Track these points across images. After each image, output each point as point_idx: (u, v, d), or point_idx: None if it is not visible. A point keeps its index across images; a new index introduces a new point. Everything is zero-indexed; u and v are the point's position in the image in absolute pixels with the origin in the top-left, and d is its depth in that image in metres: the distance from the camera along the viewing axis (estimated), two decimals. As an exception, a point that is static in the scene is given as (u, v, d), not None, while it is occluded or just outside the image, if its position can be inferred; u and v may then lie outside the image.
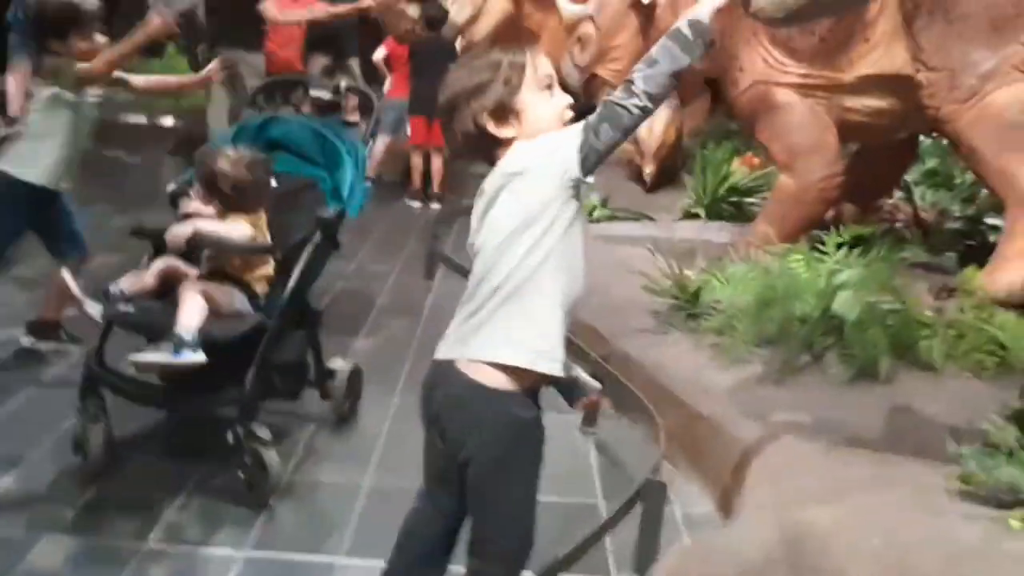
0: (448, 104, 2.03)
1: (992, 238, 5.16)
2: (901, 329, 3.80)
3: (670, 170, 8.18)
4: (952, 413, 3.35)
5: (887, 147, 5.18)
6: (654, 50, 1.98)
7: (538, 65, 2.01)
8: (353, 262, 6.18)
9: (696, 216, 6.45)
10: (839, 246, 4.23)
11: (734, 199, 6.47)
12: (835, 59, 4.67)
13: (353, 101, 6.60)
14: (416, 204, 8.20)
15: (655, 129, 8.01)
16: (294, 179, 3.52)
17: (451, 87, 2.03)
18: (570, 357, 2.08)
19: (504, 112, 1.98)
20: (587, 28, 6.15)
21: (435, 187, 8.17)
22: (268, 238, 3.28)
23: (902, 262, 4.58)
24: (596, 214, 6.51)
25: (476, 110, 1.98)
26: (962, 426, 3.21)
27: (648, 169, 8.06)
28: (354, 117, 6.80)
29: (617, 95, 1.95)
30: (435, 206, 8.05)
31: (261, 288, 3.24)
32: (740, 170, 6.55)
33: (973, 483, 2.61)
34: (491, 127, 1.99)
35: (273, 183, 3.36)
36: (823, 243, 4.36)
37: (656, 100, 1.94)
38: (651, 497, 2.82)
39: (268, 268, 3.26)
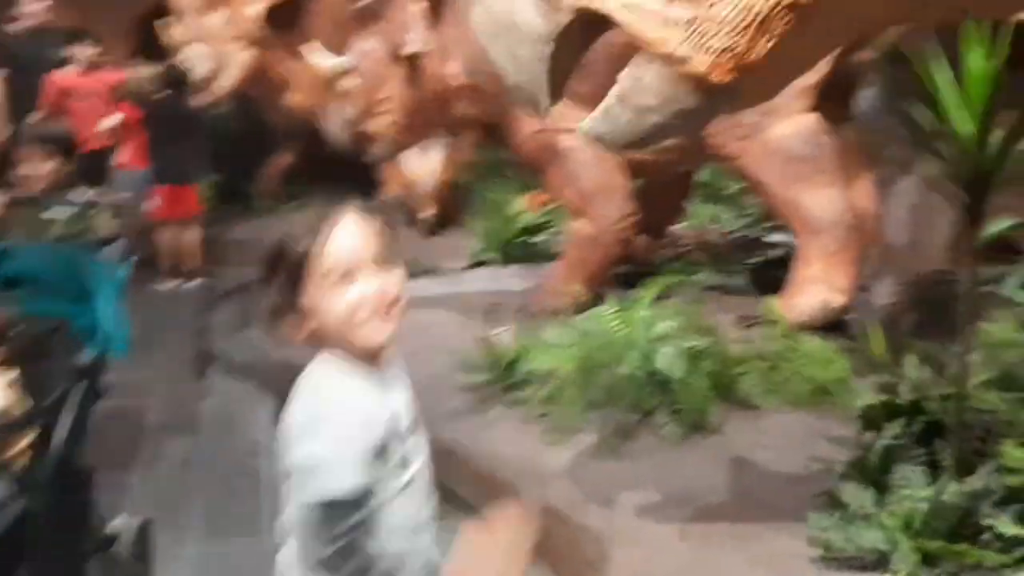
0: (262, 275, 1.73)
1: (773, 252, 5.36)
2: (720, 371, 3.79)
3: (449, 211, 8.05)
4: (785, 457, 3.34)
5: (670, 178, 5.24)
6: None
7: (326, 253, 1.67)
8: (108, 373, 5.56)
9: (490, 262, 6.32)
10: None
11: (523, 239, 6.39)
12: (612, 100, 4.65)
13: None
14: (171, 286, 7.39)
15: (429, 169, 7.85)
16: (42, 321, 3.03)
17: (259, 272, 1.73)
18: None
19: (296, 310, 1.68)
20: (348, 82, 5.86)
21: (191, 263, 7.46)
22: (23, 400, 2.79)
23: (703, 294, 4.63)
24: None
25: (275, 303, 1.70)
26: (799, 472, 3.22)
27: (426, 212, 7.89)
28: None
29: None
30: (194, 285, 7.39)
31: (21, 462, 2.74)
32: (528, 209, 6.47)
33: (835, 550, 2.56)
34: (288, 322, 1.71)
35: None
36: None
37: None
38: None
39: (27, 437, 2.77)
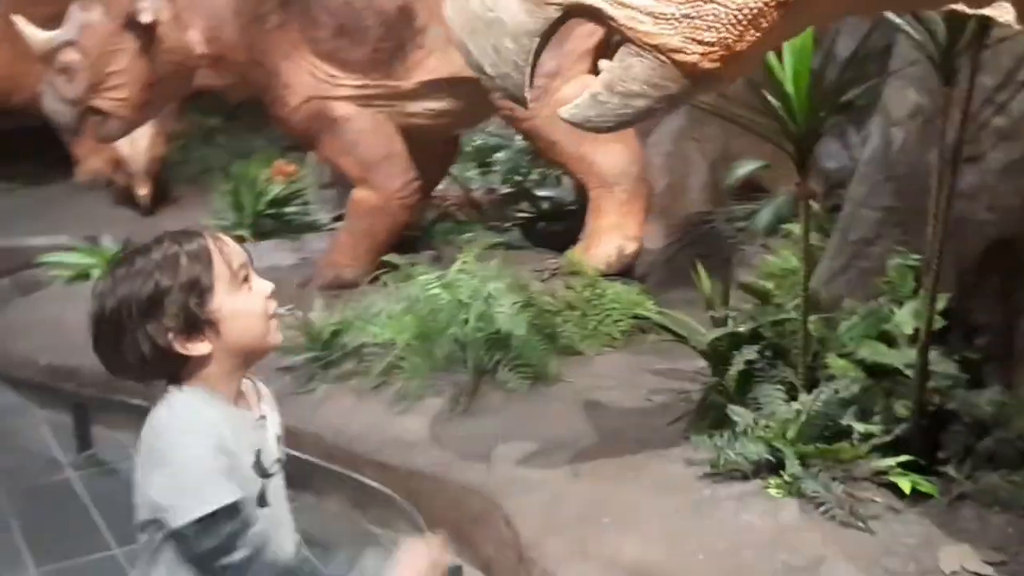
0: (107, 324, 1.61)
1: (543, 206, 5.77)
2: (543, 323, 4.10)
3: (163, 186, 7.68)
4: (627, 394, 3.74)
5: (437, 140, 5.43)
6: None
7: (228, 252, 1.66)
8: None
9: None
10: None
11: (274, 211, 6.29)
12: (392, 68, 4.75)
13: None
14: None
15: (140, 144, 7.41)
16: None
17: (107, 300, 1.61)
18: None
19: (194, 325, 1.61)
20: (69, 56, 5.37)
21: None
22: None
23: (489, 252, 4.90)
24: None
25: (154, 331, 1.60)
26: (646, 406, 3.63)
27: (143, 191, 7.47)
28: None
29: None
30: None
31: None
32: (275, 180, 6.35)
33: (720, 465, 2.97)
34: (178, 346, 1.62)
35: None
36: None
37: None
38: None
39: None
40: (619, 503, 2.97)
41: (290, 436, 3.83)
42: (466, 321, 3.91)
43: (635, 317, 4.22)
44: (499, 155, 6.40)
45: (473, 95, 4.72)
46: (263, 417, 1.78)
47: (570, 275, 4.49)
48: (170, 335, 1.60)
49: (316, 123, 4.96)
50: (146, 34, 5.07)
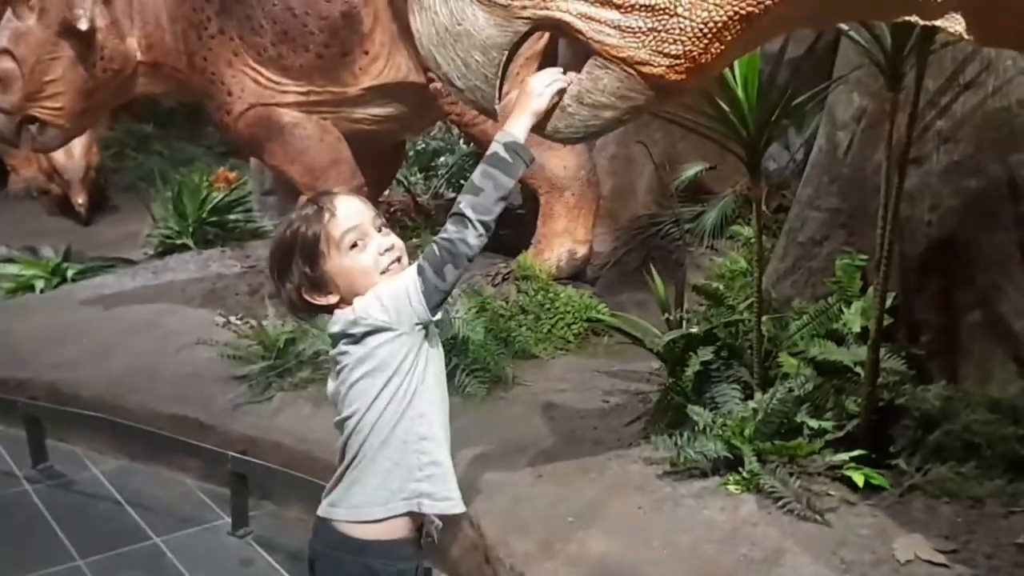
0: (271, 276, 2.11)
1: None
2: (497, 327, 4.16)
3: (99, 194, 7.57)
4: (583, 396, 3.82)
5: (383, 145, 5.44)
6: (476, 177, 1.98)
7: (337, 225, 1.99)
8: None
9: (184, 247, 6.09)
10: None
11: (216, 219, 6.24)
12: (338, 73, 4.75)
13: None
14: None
15: (75, 153, 7.31)
16: None
17: (267, 262, 2.12)
18: None
19: (317, 284, 2.01)
20: (4, 64, 5.26)
21: None
22: None
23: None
24: (70, 273, 5.77)
25: (290, 290, 2.03)
26: (603, 407, 3.71)
27: (80, 200, 7.36)
28: None
29: (451, 230, 1.96)
30: None
31: None
32: (220, 188, 6.31)
33: (680, 463, 3.06)
34: (312, 299, 2.04)
35: None
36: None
37: (491, 226, 1.97)
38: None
39: None
40: (582, 502, 3.03)
41: (249, 444, 3.88)
42: (422, 327, 3.93)
43: (588, 320, 4.29)
44: (442, 159, 6.44)
45: (419, 100, 4.77)
46: None
47: (522, 279, 4.55)
48: (303, 290, 2.01)
49: (261, 130, 4.94)
50: (83, 42, 5.00)
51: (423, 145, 6.33)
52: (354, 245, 1.98)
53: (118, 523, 3.72)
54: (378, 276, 1.98)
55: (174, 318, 4.99)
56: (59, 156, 7.11)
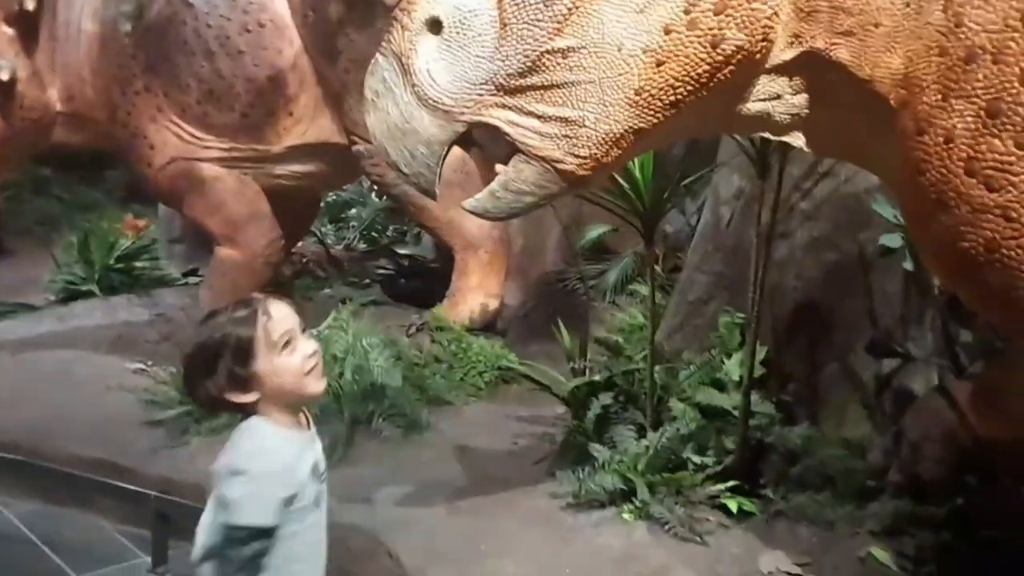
0: (185, 371, 2.29)
1: (403, 263, 6.44)
2: (413, 375, 4.78)
3: (-4, 239, 7.90)
4: (496, 439, 4.45)
5: (301, 200, 6.03)
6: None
7: (274, 328, 2.23)
8: None
9: (89, 294, 6.51)
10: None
11: (123, 266, 6.68)
12: (262, 132, 5.34)
13: None
14: None
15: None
16: None
17: (185, 350, 2.29)
18: None
19: (243, 383, 2.23)
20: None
21: None
22: None
23: (361, 308, 5.54)
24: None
25: (210, 388, 2.23)
26: (513, 449, 4.35)
27: (-26, 243, 7.67)
28: None
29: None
30: None
31: None
32: (127, 235, 6.76)
33: (581, 496, 3.72)
34: (233, 397, 2.25)
35: None
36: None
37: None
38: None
39: None
40: (494, 534, 3.64)
41: (168, 486, 4.32)
42: (341, 374, 4.53)
43: (499, 368, 4.95)
44: (353, 211, 7.06)
45: (338, 159, 5.40)
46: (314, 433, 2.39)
47: (436, 330, 5.18)
48: (223, 388, 2.21)
49: (182, 182, 5.47)
50: (3, 91, 5.45)
51: (334, 197, 6.93)
52: (286, 345, 2.22)
53: (36, 564, 4.03)
54: (303, 378, 2.25)
55: (84, 364, 5.39)
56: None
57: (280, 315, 2.25)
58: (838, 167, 3.85)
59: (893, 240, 3.64)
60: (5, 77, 5.42)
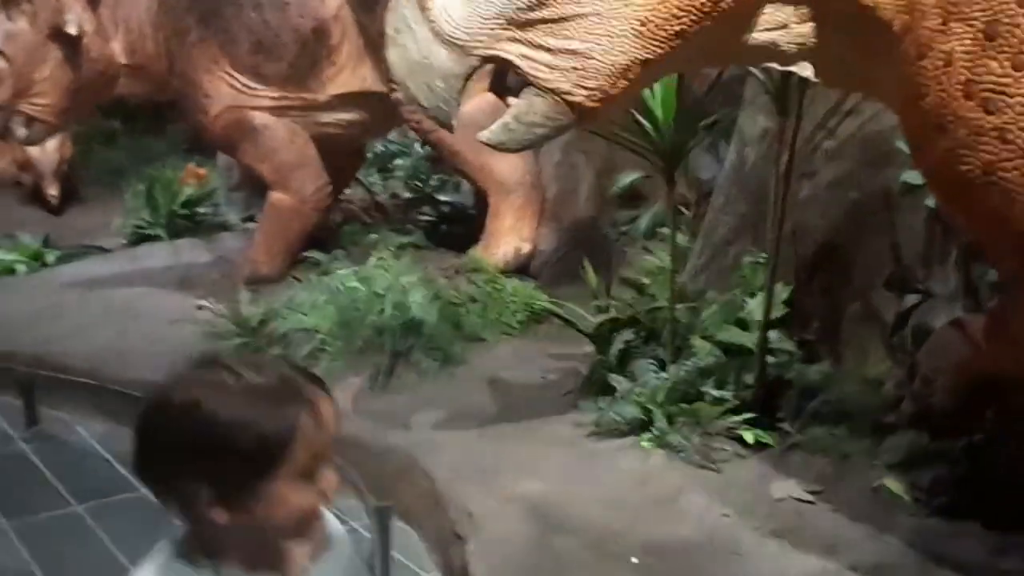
0: (148, 450, 1.46)
1: (444, 209, 6.42)
2: (450, 313, 4.78)
3: (71, 185, 8.06)
4: (524, 373, 4.45)
5: (346, 148, 6.04)
6: None
7: (314, 439, 1.39)
8: None
9: (156, 238, 6.62)
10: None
11: (187, 211, 6.79)
12: (307, 82, 5.37)
13: None
14: None
15: (48, 146, 7.78)
16: None
17: (152, 427, 1.48)
18: None
19: (231, 497, 1.38)
20: (-6, 62, 5.81)
21: None
22: None
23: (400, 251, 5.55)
24: (49, 258, 6.31)
25: (190, 489, 1.39)
26: (541, 382, 4.35)
27: (52, 191, 7.85)
28: None
29: None
30: None
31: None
32: (190, 183, 6.86)
33: (603, 425, 3.71)
34: (202, 507, 1.39)
35: None
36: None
37: None
38: (381, 520, 3.36)
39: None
40: (520, 456, 3.66)
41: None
42: (382, 310, 4.55)
43: (530, 309, 4.93)
44: (399, 161, 7.05)
45: (380, 108, 5.39)
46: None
47: (472, 272, 5.18)
48: (201, 494, 1.37)
49: (235, 131, 5.53)
50: (71, 44, 5.55)
51: (382, 148, 6.92)
52: (312, 468, 1.39)
53: (107, 476, 4.18)
54: (302, 525, 1.44)
55: (151, 301, 5.51)
56: (33, 149, 7.58)
57: (328, 417, 1.43)
58: (863, 105, 3.72)
59: (915, 177, 3.52)
60: (74, 31, 5.52)
